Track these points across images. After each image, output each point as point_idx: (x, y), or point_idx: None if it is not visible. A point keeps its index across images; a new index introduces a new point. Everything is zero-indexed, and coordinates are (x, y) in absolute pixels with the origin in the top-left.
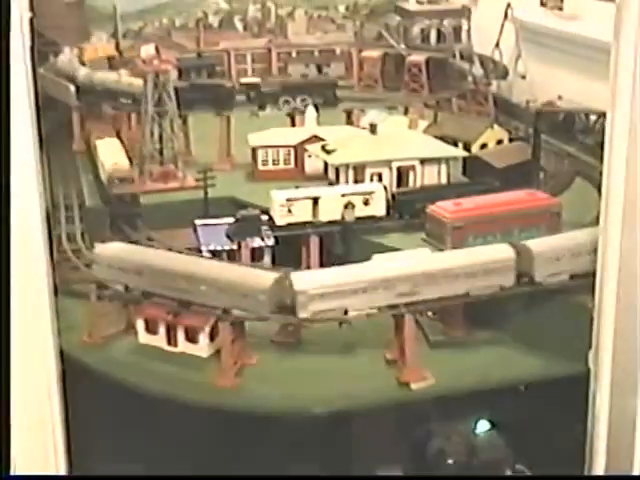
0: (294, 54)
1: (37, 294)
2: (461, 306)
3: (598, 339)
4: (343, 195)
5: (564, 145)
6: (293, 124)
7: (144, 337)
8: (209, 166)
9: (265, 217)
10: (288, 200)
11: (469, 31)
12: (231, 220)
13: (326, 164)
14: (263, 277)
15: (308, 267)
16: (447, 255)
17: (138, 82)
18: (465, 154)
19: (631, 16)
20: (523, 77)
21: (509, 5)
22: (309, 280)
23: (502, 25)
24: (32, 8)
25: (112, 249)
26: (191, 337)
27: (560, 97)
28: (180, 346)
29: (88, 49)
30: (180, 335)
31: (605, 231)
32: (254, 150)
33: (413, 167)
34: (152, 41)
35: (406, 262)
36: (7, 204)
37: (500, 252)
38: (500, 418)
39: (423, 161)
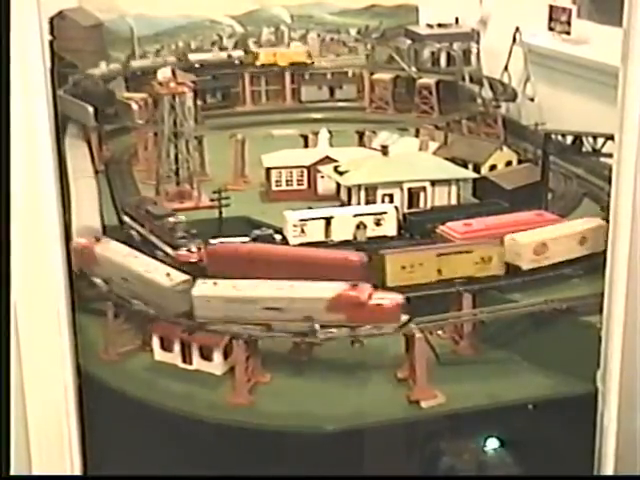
0: (307, 76)
1: (55, 311)
2: (471, 325)
3: (606, 359)
4: (355, 215)
5: (572, 167)
6: (306, 145)
7: (159, 354)
8: (224, 186)
9: (278, 237)
10: (301, 220)
11: (478, 54)
12: (245, 239)
13: (338, 185)
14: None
15: None
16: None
17: None
18: (475, 175)
19: (638, 40)
20: (532, 100)
21: (517, 29)
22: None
23: (511, 49)
24: (52, 32)
25: None
26: (206, 355)
27: None
28: (195, 364)
29: None
30: (195, 353)
31: (613, 252)
32: (268, 171)
33: (424, 188)
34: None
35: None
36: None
37: None
38: (509, 436)
39: (434, 182)
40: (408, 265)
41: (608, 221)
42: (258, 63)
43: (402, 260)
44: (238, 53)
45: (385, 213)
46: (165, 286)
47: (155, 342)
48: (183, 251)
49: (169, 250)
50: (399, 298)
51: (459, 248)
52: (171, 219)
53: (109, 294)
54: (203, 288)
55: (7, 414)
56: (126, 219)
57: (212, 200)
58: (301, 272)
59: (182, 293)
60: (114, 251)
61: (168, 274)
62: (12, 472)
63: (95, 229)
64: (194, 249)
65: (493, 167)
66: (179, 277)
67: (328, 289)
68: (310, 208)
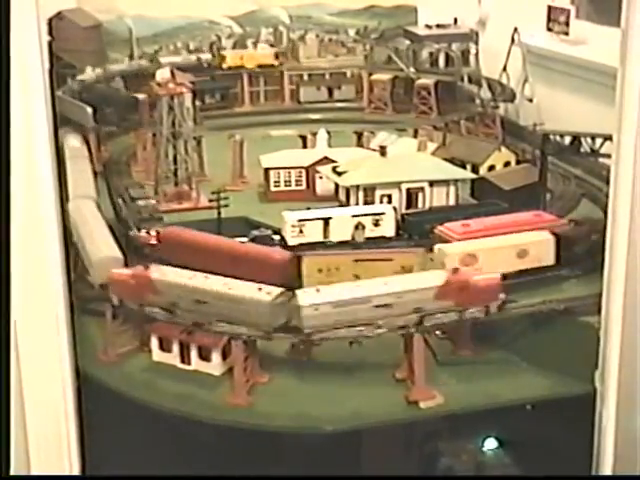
0: (306, 77)
1: (54, 312)
2: (469, 326)
3: (604, 359)
4: (353, 216)
5: (571, 167)
6: (305, 146)
7: (158, 355)
8: (222, 187)
9: (277, 237)
10: (300, 221)
11: (477, 55)
12: (244, 240)
13: (337, 185)
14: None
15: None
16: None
17: None
18: (473, 176)
19: (636, 41)
20: (530, 100)
21: (516, 30)
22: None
23: (509, 49)
24: (51, 32)
25: None
26: (204, 355)
27: None
28: (193, 364)
29: None
30: (193, 353)
31: (611, 252)
32: (266, 171)
33: (422, 189)
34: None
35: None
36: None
37: None
38: (508, 436)
39: (432, 183)
40: (325, 268)
41: (557, 235)
42: (225, 66)
43: (319, 263)
44: (206, 56)
45: (383, 214)
46: (264, 301)
47: (154, 343)
48: (143, 233)
49: (135, 231)
50: (498, 276)
51: (378, 255)
52: (140, 202)
53: (172, 321)
54: (306, 297)
55: (7, 415)
56: (119, 201)
57: (211, 201)
58: (228, 264)
59: (281, 306)
60: (175, 275)
61: (260, 289)
62: (12, 472)
63: (117, 258)
64: (152, 232)
65: (491, 167)
66: (274, 290)
67: (436, 277)
68: (308, 208)
